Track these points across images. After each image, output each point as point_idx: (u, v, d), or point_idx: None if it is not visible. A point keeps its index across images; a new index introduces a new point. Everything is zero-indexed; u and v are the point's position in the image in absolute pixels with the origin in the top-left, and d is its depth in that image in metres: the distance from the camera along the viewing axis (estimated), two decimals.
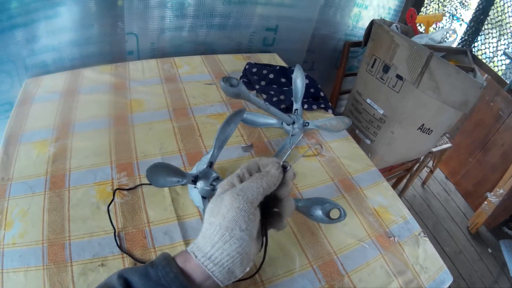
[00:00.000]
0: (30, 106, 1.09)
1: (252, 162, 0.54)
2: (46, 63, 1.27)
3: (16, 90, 1.20)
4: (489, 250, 2.39)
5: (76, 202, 0.81)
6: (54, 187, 0.84)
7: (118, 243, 0.73)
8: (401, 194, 2.50)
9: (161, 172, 0.76)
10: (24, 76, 1.22)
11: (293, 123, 1.08)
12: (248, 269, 0.49)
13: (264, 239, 0.54)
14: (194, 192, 0.81)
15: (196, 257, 0.46)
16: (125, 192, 0.84)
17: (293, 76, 1.13)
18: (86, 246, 0.73)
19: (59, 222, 0.76)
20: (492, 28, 2.44)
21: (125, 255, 0.72)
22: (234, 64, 1.48)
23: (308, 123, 1.12)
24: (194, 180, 0.78)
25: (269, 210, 0.54)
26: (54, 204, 0.80)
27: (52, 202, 0.80)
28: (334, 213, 0.62)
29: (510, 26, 2.37)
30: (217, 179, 0.78)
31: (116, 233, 0.75)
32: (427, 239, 0.92)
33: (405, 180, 2.35)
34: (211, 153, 0.83)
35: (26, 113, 1.06)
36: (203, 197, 0.80)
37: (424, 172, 2.69)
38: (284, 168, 0.52)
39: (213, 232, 0.46)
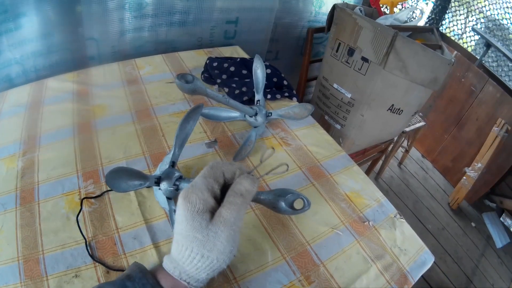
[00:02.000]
0: None
1: (215, 169, 0.53)
2: (10, 76, 1.24)
3: None
4: (473, 224, 2.43)
5: (47, 215, 0.80)
6: (24, 202, 0.83)
7: (90, 252, 0.73)
8: (378, 176, 2.52)
9: (121, 177, 0.76)
10: None
11: (256, 114, 1.07)
12: None
13: None
14: (159, 194, 0.81)
15: (188, 283, 0.50)
16: (92, 200, 0.84)
17: (253, 67, 1.13)
18: (59, 258, 0.72)
19: (32, 237, 0.76)
20: (459, 6, 2.47)
21: (97, 264, 0.72)
22: (196, 60, 1.46)
23: (271, 113, 1.11)
24: (157, 181, 0.77)
25: None
26: (26, 220, 0.79)
27: (23, 218, 0.79)
28: (298, 203, 0.61)
29: (478, 3, 2.40)
30: (180, 178, 0.78)
31: (87, 243, 0.75)
32: (404, 220, 0.93)
33: (380, 162, 2.37)
34: (172, 152, 0.82)
35: None
36: (168, 198, 0.80)
37: (400, 152, 2.71)
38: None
39: (208, 265, 0.49)
